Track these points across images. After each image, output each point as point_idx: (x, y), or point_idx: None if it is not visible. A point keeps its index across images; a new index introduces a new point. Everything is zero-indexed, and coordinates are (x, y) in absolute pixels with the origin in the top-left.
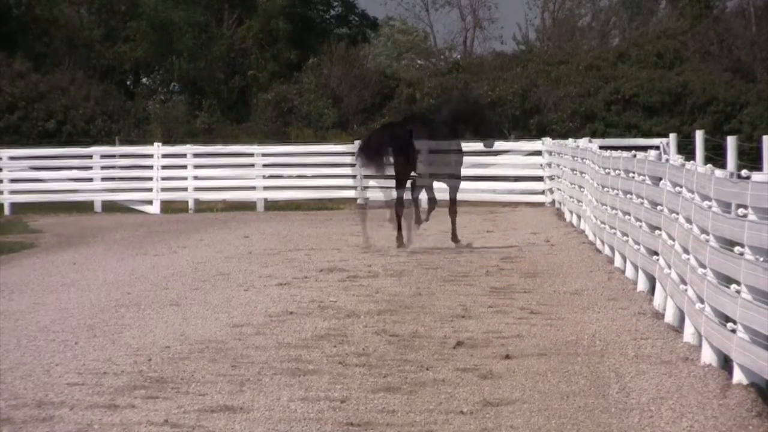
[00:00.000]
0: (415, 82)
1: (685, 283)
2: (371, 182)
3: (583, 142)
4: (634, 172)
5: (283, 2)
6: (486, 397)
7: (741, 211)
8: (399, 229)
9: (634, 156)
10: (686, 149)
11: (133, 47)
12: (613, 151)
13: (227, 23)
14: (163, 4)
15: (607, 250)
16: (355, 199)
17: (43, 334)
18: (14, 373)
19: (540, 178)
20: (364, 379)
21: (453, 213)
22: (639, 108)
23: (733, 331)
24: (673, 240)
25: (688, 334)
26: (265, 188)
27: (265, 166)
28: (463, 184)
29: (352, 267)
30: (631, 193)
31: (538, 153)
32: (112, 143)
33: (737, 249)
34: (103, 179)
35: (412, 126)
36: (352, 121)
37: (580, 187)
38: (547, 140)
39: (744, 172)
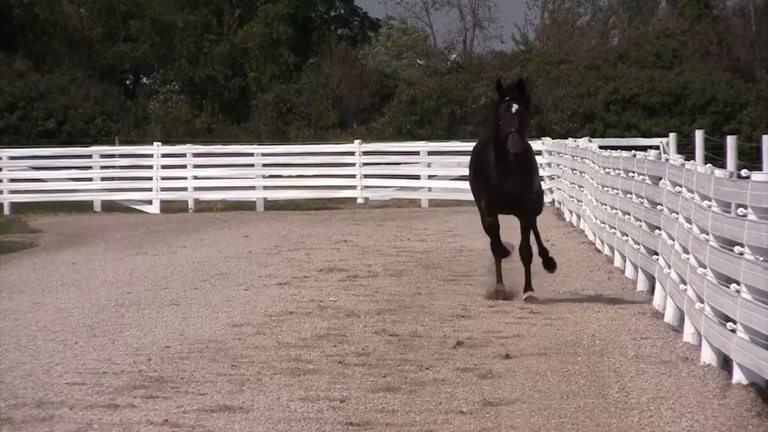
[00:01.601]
0: (415, 82)
1: (684, 283)
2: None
3: (582, 141)
4: (633, 172)
5: (285, 7)
6: (486, 397)
7: (741, 210)
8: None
9: (634, 156)
10: (686, 149)
11: (135, 47)
12: (612, 151)
13: (228, 23)
14: (165, 5)
15: (606, 250)
16: (354, 199)
17: (42, 334)
18: (14, 373)
19: (540, 178)
20: (363, 378)
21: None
22: (639, 108)
23: (733, 330)
24: (673, 240)
25: (688, 334)
26: (265, 188)
27: (264, 165)
28: (463, 184)
29: (352, 267)
30: (631, 193)
31: (538, 153)
32: (111, 143)
33: (737, 249)
34: (103, 179)
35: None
36: (351, 120)
37: (580, 186)
38: (547, 140)
39: (744, 172)
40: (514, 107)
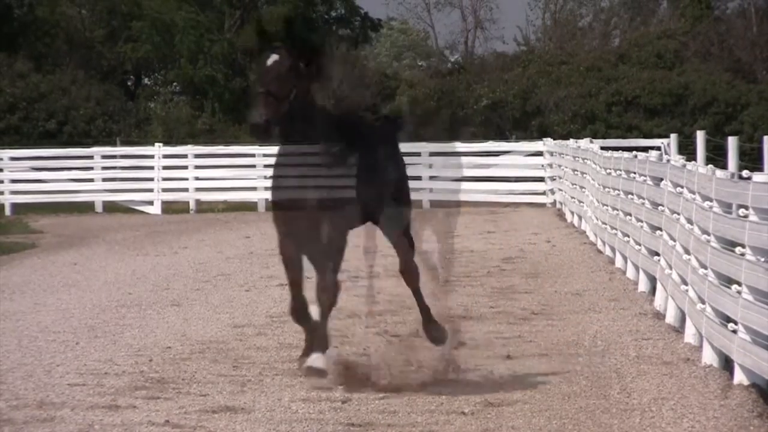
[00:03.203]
0: (416, 83)
1: (686, 284)
2: None
3: (584, 142)
4: (635, 173)
5: (288, 11)
6: (487, 398)
7: (742, 211)
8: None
9: (635, 156)
10: (687, 150)
11: (136, 48)
12: (614, 152)
13: (228, 23)
14: (166, 5)
15: (608, 251)
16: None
17: (44, 335)
18: (15, 374)
19: (541, 179)
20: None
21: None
22: (640, 109)
23: (734, 331)
24: (674, 240)
25: (689, 335)
26: (266, 188)
27: (266, 166)
28: (464, 185)
29: (353, 267)
30: (632, 194)
31: (540, 154)
32: (112, 144)
33: (738, 249)
34: (104, 180)
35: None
36: None
37: (582, 187)
38: (549, 141)
39: (745, 173)
40: (272, 58)
